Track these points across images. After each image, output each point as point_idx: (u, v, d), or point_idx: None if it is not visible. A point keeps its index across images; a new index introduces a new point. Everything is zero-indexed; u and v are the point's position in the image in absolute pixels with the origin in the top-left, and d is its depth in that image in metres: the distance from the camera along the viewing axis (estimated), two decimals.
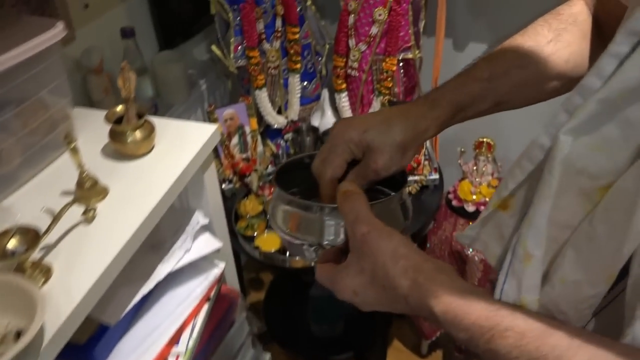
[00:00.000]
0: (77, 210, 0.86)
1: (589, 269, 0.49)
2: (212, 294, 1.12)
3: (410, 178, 1.68)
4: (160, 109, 1.70)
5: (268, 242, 1.51)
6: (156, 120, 1.05)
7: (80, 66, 1.44)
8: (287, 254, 1.50)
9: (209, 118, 1.70)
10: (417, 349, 2.12)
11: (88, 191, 0.89)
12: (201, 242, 1.10)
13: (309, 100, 1.84)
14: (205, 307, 1.10)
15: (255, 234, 1.54)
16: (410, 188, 1.68)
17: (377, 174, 0.67)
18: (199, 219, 1.11)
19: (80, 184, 0.89)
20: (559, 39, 0.71)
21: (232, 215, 1.62)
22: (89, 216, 0.86)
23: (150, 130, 0.99)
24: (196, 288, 1.09)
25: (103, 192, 0.91)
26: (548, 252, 0.53)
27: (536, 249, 0.52)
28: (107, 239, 0.84)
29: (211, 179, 1.10)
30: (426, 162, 1.71)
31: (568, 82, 0.71)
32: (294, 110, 1.80)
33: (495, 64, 0.72)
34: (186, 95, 1.78)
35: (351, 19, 1.63)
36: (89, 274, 0.78)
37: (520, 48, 0.72)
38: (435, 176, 1.71)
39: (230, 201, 1.68)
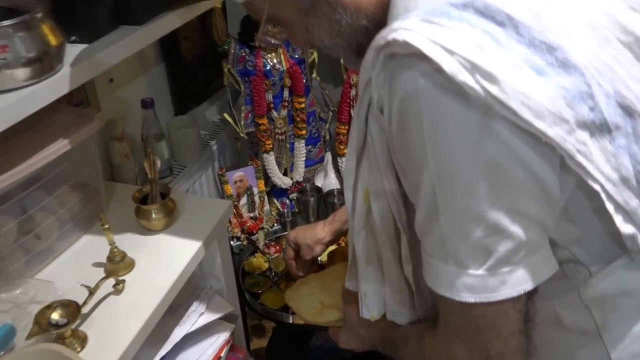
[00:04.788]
0: (108, 282, 0.97)
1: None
2: (223, 353, 1.23)
3: None
4: (175, 169, 1.82)
5: (273, 299, 1.61)
6: (177, 195, 1.18)
7: (104, 134, 1.57)
8: (290, 311, 1.60)
9: (220, 180, 1.82)
10: None
11: (117, 264, 1.01)
12: (213, 306, 1.21)
13: (313, 162, 1.97)
14: None
15: (260, 291, 1.65)
16: None
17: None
18: (212, 284, 1.22)
19: (110, 258, 1.01)
20: None
21: (240, 272, 1.73)
22: (119, 288, 0.97)
23: (172, 208, 1.11)
24: (208, 349, 1.19)
25: (130, 265, 1.03)
26: None
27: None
28: (135, 308, 0.95)
29: (224, 248, 1.22)
30: None
31: None
32: (299, 172, 1.93)
33: None
34: (198, 156, 1.90)
35: (353, 91, 1.77)
36: (120, 340, 0.89)
37: None
38: None
39: (238, 257, 1.79)
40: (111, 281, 0.97)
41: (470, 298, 0.64)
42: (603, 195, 0.60)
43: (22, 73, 0.80)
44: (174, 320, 1.15)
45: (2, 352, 0.81)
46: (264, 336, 2.51)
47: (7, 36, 0.78)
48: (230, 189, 1.82)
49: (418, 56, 0.56)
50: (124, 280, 0.99)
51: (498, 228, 0.61)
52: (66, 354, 0.80)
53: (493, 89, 0.55)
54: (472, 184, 0.59)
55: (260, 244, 1.79)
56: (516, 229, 0.61)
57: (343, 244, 1.61)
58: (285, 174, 1.95)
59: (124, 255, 1.02)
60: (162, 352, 1.08)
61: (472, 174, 0.59)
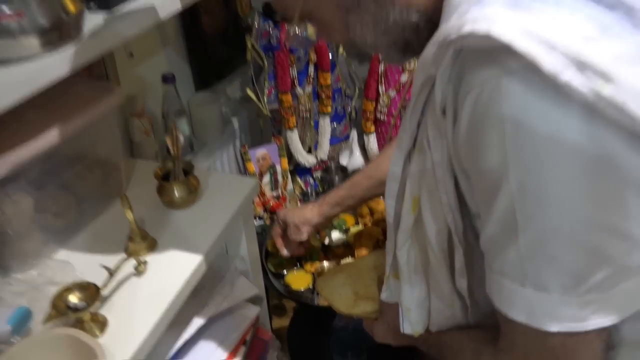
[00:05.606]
0: (129, 263, 0.93)
1: None
2: (248, 337, 1.18)
3: None
4: (196, 146, 1.77)
5: (298, 280, 1.56)
6: (200, 172, 1.12)
7: (124, 110, 1.52)
8: (315, 292, 1.55)
9: (242, 158, 1.77)
10: None
11: (138, 244, 0.96)
12: (238, 288, 1.16)
13: (338, 140, 1.91)
14: (242, 350, 1.16)
15: (285, 272, 1.60)
16: None
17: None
18: (237, 265, 1.17)
19: (132, 238, 0.96)
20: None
21: (262, 252, 1.68)
22: (140, 269, 0.93)
23: (195, 186, 1.06)
24: (233, 332, 1.15)
25: (152, 245, 0.98)
26: None
27: None
28: (158, 290, 0.91)
29: (250, 228, 1.17)
30: None
31: None
32: (324, 150, 1.87)
33: (355, 176, 1.24)
34: (220, 134, 1.85)
35: (381, 66, 1.70)
36: (142, 325, 0.84)
37: (371, 163, 1.27)
38: None
39: (261, 237, 1.74)
40: (132, 262, 0.93)
41: (553, 327, 0.56)
42: None
43: (38, 41, 0.75)
44: (198, 303, 1.10)
45: (18, 337, 0.77)
46: (285, 315, 2.48)
47: (23, 1, 0.73)
48: (252, 167, 1.77)
49: (502, 50, 0.48)
50: (145, 261, 0.94)
51: (596, 251, 0.53)
52: (85, 339, 0.76)
53: (607, 89, 0.46)
54: (568, 201, 0.51)
55: None
56: (618, 253, 0.53)
57: (369, 224, 1.56)
58: (309, 152, 1.89)
59: (145, 234, 0.97)
60: (185, 335, 1.04)
61: (569, 190, 0.51)
